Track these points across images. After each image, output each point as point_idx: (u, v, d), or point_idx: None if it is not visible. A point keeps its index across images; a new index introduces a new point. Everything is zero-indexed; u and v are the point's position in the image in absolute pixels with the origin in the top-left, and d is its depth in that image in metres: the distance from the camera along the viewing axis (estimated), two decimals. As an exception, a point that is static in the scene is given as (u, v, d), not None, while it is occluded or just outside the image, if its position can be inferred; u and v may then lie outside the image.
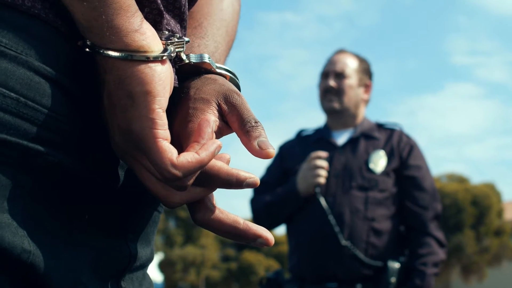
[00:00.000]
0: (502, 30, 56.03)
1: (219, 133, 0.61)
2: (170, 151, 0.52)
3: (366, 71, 2.53)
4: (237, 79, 0.68)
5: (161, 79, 0.53)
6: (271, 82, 60.44)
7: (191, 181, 0.54)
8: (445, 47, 56.23)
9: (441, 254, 2.25)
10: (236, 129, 0.60)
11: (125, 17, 0.51)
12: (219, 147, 0.55)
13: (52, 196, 0.53)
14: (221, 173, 0.56)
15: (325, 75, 2.50)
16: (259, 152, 0.57)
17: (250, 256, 26.73)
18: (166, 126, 0.53)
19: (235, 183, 0.57)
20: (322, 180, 2.25)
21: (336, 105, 2.43)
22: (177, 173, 0.51)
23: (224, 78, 0.65)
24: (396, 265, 2.18)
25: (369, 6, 60.22)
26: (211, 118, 0.58)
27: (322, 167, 2.27)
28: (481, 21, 56.67)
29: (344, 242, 2.19)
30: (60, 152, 0.53)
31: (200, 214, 0.59)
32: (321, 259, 2.23)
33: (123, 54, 0.52)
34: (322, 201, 2.25)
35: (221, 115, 0.61)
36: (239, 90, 0.67)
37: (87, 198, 0.57)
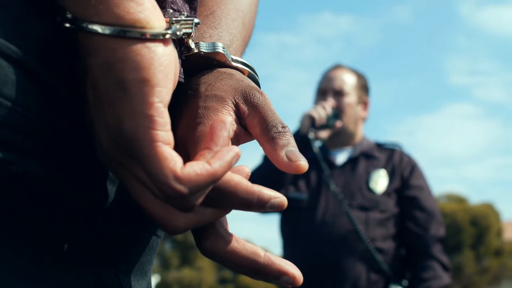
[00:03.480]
0: (501, 50, 56.59)
1: (236, 140, 0.49)
2: (173, 159, 0.39)
3: (364, 87, 2.46)
4: (257, 75, 0.57)
5: (162, 64, 0.41)
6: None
7: (200, 199, 0.42)
8: (444, 67, 56.71)
9: (445, 278, 2.17)
10: (258, 135, 0.48)
11: None
12: (237, 156, 0.42)
13: (16, 217, 0.41)
14: (239, 191, 0.44)
15: (322, 92, 2.41)
16: (287, 165, 0.45)
17: (247, 279, 26.44)
18: (168, 126, 0.40)
19: (256, 204, 0.44)
20: (314, 114, 2.20)
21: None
22: (182, 188, 0.39)
23: (241, 73, 0.54)
24: (398, 289, 2.10)
25: (368, 26, 60.84)
26: (227, 119, 0.45)
27: (325, 106, 2.25)
28: (480, 41, 57.22)
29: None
30: (28, 159, 0.41)
31: (209, 243, 0.46)
32: (319, 282, 2.14)
33: (113, 30, 0.39)
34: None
35: (239, 117, 0.49)
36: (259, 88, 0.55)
37: (64, 219, 0.44)
